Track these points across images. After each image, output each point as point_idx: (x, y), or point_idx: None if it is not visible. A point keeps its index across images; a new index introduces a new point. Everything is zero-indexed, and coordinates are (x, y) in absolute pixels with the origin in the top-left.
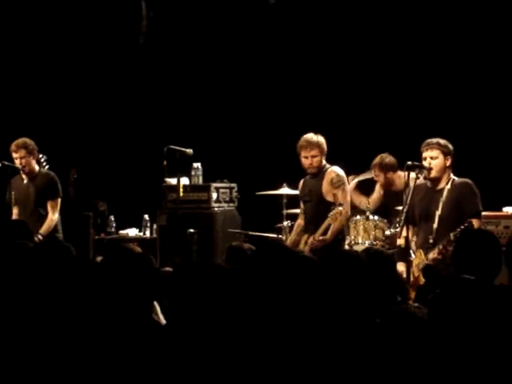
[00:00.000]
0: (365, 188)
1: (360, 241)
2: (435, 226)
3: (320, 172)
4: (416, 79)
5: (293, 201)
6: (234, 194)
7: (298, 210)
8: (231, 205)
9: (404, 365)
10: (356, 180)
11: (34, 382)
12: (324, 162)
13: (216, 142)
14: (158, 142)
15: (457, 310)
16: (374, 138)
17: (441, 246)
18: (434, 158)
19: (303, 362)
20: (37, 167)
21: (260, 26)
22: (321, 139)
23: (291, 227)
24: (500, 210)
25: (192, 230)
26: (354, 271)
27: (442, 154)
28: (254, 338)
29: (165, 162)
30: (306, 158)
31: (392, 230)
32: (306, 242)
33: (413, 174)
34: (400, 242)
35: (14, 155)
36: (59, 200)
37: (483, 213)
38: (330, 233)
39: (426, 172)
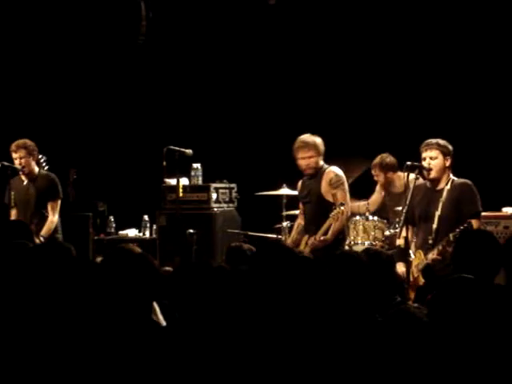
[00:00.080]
0: (364, 190)
1: (359, 241)
2: (435, 226)
3: (318, 172)
4: (415, 80)
5: (292, 201)
6: (234, 194)
7: (297, 212)
8: (231, 205)
9: (404, 365)
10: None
11: (34, 382)
12: (322, 162)
13: (215, 142)
14: (158, 142)
15: (456, 310)
16: (373, 138)
17: (440, 247)
18: (433, 158)
19: (303, 361)
20: (36, 168)
21: (259, 27)
22: (317, 140)
23: (290, 228)
24: (499, 211)
25: (191, 231)
26: (353, 272)
27: (442, 154)
28: (254, 337)
29: (164, 163)
30: (303, 158)
31: (391, 231)
32: (306, 243)
33: (413, 175)
34: (399, 242)
35: (14, 155)
36: (59, 201)
37: (483, 213)
38: (330, 233)
39: (425, 172)
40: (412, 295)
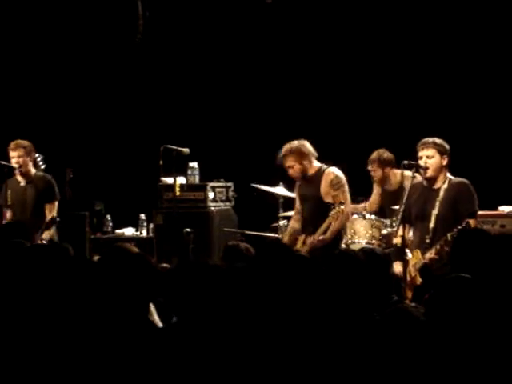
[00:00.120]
0: (362, 191)
1: (357, 240)
2: (432, 225)
3: (317, 173)
4: (412, 79)
5: (289, 201)
6: (231, 193)
7: (292, 212)
8: (228, 204)
9: (401, 363)
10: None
11: (30, 381)
12: (316, 163)
13: (212, 141)
14: (155, 141)
15: (453, 309)
16: (370, 137)
17: (438, 246)
18: (429, 157)
19: (301, 360)
20: (33, 169)
21: (257, 26)
22: (296, 145)
23: (287, 227)
24: (496, 209)
25: (188, 230)
26: (350, 270)
27: (438, 153)
28: (251, 336)
29: (161, 162)
30: (288, 168)
31: (389, 229)
32: (304, 242)
33: (408, 173)
34: (396, 241)
35: (12, 154)
36: (56, 203)
37: (479, 212)
38: (329, 232)
39: (422, 171)
40: (409, 294)
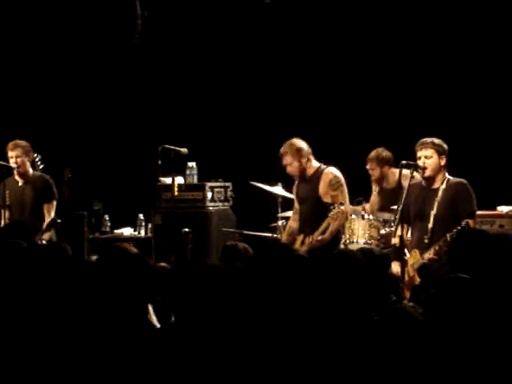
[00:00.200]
0: (360, 191)
1: (355, 240)
2: (430, 225)
3: (316, 173)
4: (410, 78)
5: (287, 201)
6: (229, 193)
7: (291, 212)
8: (226, 204)
9: (399, 363)
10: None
11: (29, 381)
12: (315, 163)
13: (211, 141)
14: (153, 141)
15: (451, 309)
16: (368, 137)
17: (437, 247)
18: (428, 157)
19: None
20: (31, 170)
21: (255, 26)
22: (294, 144)
23: (286, 227)
24: (494, 209)
25: (187, 230)
26: (349, 270)
27: (437, 153)
28: (249, 336)
29: (159, 162)
30: (286, 166)
31: (387, 229)
32: (302, 242)
33: (406, 171)
34: (395, 241)
35: (10, 153)
36: (55, 202)
37: (478, 212)
38: (328, 232)
39: (420, 171)
40: (407, 294)
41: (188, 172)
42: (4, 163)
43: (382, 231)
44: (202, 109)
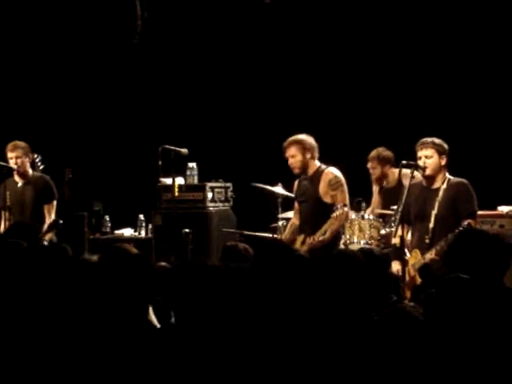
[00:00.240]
0: (360, 191)
1: (355, 240)
2: (431, 225)
3: (316, 173)
4: (410, 78)
5: (288, 202)
6: (229, 193)
7: (291, 213)
8: (226, 204)
9: (399, 363)
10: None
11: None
12: (317, 162)
13: (211, 141)
14: (153, 141)
15: (452, 309)
16: (368, 138)
17: (438, 247)
18: (428, 157)
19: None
20: (30, 170)
21: (255, 26)
22: (303, 139)
23: (286, 227)
24: (495, 209)
25: (187, 230)
26: (349, 270)
27: (437, 153)
28: (249, 336)
29: (160, 162)
30: (288, 158)
31: (387, 229)
32: (303, 242)
33: (406, 170)
34: (395, 241)
35: (10, 154)
36: (55, 203)
37: (478, 212)
38: (329, 233)
39: (420, 171)
40: (408, 294)
41: (188, 172)
42: (4, 164)
43: (382, 231)
44: (202, 109)
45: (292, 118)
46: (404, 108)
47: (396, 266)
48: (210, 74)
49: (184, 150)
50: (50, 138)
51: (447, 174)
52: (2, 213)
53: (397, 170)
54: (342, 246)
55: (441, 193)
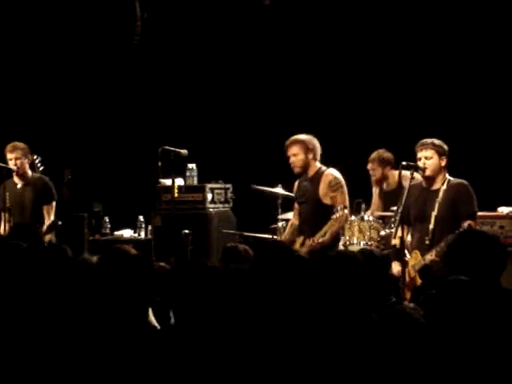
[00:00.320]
0: (359, 193)
1: (355, 241)
2: (431, 226)
3: (316, 174)
4: (411, 80)
5: (288, 203)
6: (229, 194)
7: (291, 214)
8: (226, 205)
9: (399, 365)
10: None
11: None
12: (318, 164)
13: (211, 142)
14: (153, 142)
15: (452, 311)
16: (368, 139)
17: (439, 248)
18: (428, 158)
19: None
20: (29, 171)
21: (254, 27)
22: (306, 138)
23: (286, 228)
24: (495, 211)
25: (187, 231)
26: (349, 272)
27: (437, 154)
28: (249, 338)
29: (159, 163)
30: (289, 156)
31: (387, 231)
32: (302, 244)
33: (406, 172)
34: (395, 242)
35: (9, 156)
36: (54, 204)
37: (478, 213)
38: (328, 235)
39: (420, 172)
40: (408, 295)
41: (188, 173)
42: (4, 165)
43: (382, 232)
44: (202, 110)
45: (292, 119)
46: (404, 109)
47: (396, 267)
48: (209, 75)
49: (184, 151)
50: (50, 139)
51: (447, 175)
52: (2, 214)
53: (397, 172)
54: (341, 247)
55: (441, 194)
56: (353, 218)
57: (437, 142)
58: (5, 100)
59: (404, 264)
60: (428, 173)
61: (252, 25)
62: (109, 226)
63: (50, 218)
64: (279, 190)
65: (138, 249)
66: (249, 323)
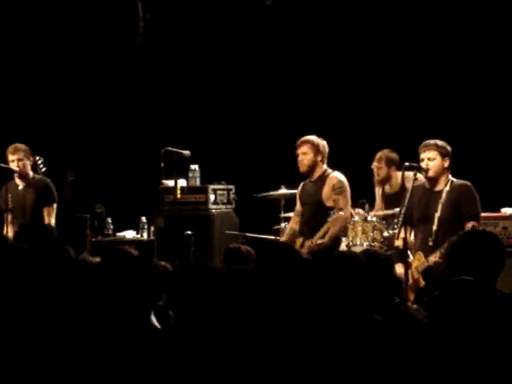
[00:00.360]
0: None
1: (358, 242)
2: (434, 227)
3: (321, 177)
4: (414, 82)
5: (290, 203)
6: (232, 195)
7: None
8: (229, 206)
9: (402, 365)
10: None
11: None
12: (325, 166)
13: (213, 143)
14: (155, 143)
15: (456, 312)
16: (372, 142)
17: (443, 250)
18: (431, 159)
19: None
20: (31, 173)
21: (257, 28)
22: (317, 140)
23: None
24: (498, 211)
25: (189, 232)
26: (352, 272)
27: (440, 155)
28: (251, 339)
29: (162, 164)
30: (299, 154)
31: (390, 232)
32: (301, 245)
33: (408, 173)
34: (398, 243)
35: (11, 157)
36: (55, 206)
37: (482, 214)
38: (328, 237)
39: (423, 172)
40: (411, 296)
41: (191, 174)
42: (6, 166)
43: (385, 233)
44: (205, 111)
45: (295, 120)
46: (407, 111)
47: (399, 269)
48: (212, 75)
49: (186, 152)
50: (52, 140)
51: (450, 176)
52: (5, 216)
53: (400, 174)
54: (344, 248)
55: (444, 195)
56: (356, 218)
57: (440, 143)
58: (7, 101)
59: (407, 265)
60: (431, 174)
61: (254, 25)
62: (111, 227)
63: (50, 219)
64: (283, 191)
65: (140, 250)
66: (251, 324)
